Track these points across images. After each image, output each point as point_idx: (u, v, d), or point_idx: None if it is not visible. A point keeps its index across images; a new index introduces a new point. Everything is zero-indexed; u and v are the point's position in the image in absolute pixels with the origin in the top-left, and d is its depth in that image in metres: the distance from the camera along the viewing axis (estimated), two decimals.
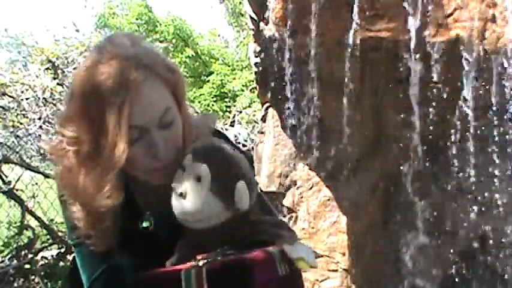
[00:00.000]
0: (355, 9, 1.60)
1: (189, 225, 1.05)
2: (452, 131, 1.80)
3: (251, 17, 2.06)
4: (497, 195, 1.82)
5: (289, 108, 2.04)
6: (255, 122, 4.85)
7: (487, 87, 1.59)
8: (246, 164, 1.10)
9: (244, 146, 4.51)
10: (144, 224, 1.21)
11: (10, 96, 3.79)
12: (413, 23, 1.58)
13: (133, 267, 1.06)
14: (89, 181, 1.08)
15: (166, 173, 1.12)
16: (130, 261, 1.12)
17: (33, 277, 3.82)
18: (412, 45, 1.61)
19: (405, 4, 1.56)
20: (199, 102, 9.74)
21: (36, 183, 4.17)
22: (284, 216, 2.27)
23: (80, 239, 1.15)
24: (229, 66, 11.29)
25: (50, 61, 4.10)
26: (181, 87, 1.18)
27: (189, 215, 1.03)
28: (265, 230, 1.06)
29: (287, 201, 2.29)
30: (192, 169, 1.04)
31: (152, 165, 1.11)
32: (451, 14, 1.55)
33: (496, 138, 1.67)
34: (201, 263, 0.99)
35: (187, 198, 1.03)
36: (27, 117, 3.79)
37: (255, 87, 2.39)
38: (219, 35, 13.86)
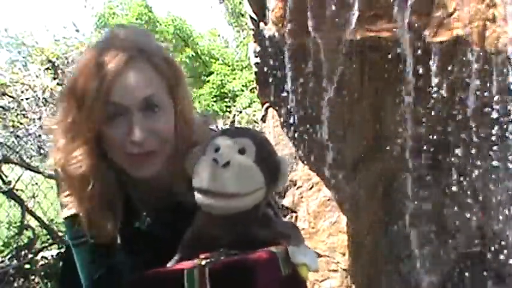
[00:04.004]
0: (355, 7, 1.60)
1: (216, 206, 1.00)
2: (452, 131, 1.80)
3: (251, 17, 2.06)
4: (497, 196, 1.82)
5: (289, 108, 2.04)
6: (255, 122, 4.85)
7: (487, 87, 1.59)
8: None
9: None
10: (137, 225, 1.21)
11: (10, 96, 3.79)
12: (413, 23, 1.58)
13: (134, 267, 1.06)
14: (64, 147, 1.13)
15: (147, 163, 1.13)
16: (131, 260, 1.12)
17: (33, 277, 3.82)
18: (412, 45, 1.61)
19: (405, 4, 1.56)
20: (199, 102, 9.74)
21: (36, 183, 4.17)
22: (284, 216, 2.27)
23: (80, 238, 1.15)
24: (229, 66, 11.29)
25: (50, 61, 4.10)
26: (177, 81, 1.19)
27: (233, 185, 0.98)
28: (275, 228, 1.06)
29: (287, 201, 2.29)
30: (234, 143, 1.02)
31: (130, 149, 1.11)
32: (451, 14, 1.55)
33: (497, 139, 1.67)
34: (203, 262, 0.99)
35: (233, 167, 0.98)
36: (27, 117, 3.79)
37: (255, 87, 2.38)
38: (219, 35, 13.88)
